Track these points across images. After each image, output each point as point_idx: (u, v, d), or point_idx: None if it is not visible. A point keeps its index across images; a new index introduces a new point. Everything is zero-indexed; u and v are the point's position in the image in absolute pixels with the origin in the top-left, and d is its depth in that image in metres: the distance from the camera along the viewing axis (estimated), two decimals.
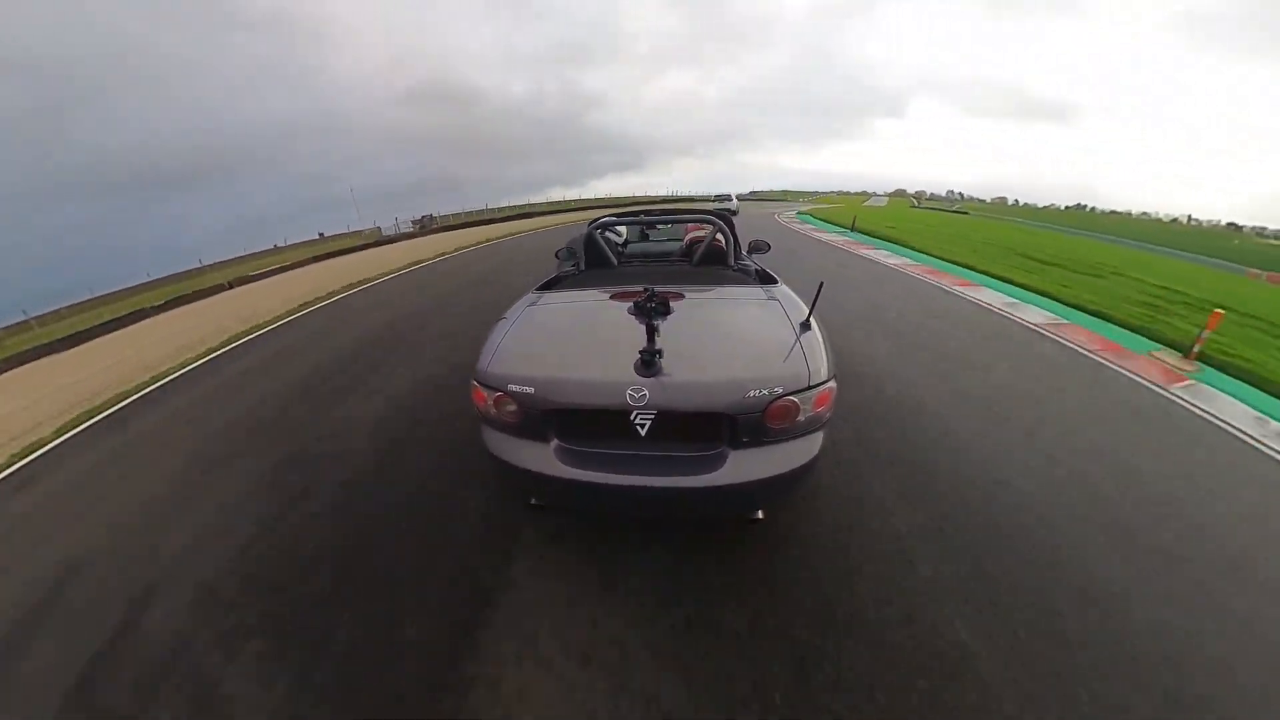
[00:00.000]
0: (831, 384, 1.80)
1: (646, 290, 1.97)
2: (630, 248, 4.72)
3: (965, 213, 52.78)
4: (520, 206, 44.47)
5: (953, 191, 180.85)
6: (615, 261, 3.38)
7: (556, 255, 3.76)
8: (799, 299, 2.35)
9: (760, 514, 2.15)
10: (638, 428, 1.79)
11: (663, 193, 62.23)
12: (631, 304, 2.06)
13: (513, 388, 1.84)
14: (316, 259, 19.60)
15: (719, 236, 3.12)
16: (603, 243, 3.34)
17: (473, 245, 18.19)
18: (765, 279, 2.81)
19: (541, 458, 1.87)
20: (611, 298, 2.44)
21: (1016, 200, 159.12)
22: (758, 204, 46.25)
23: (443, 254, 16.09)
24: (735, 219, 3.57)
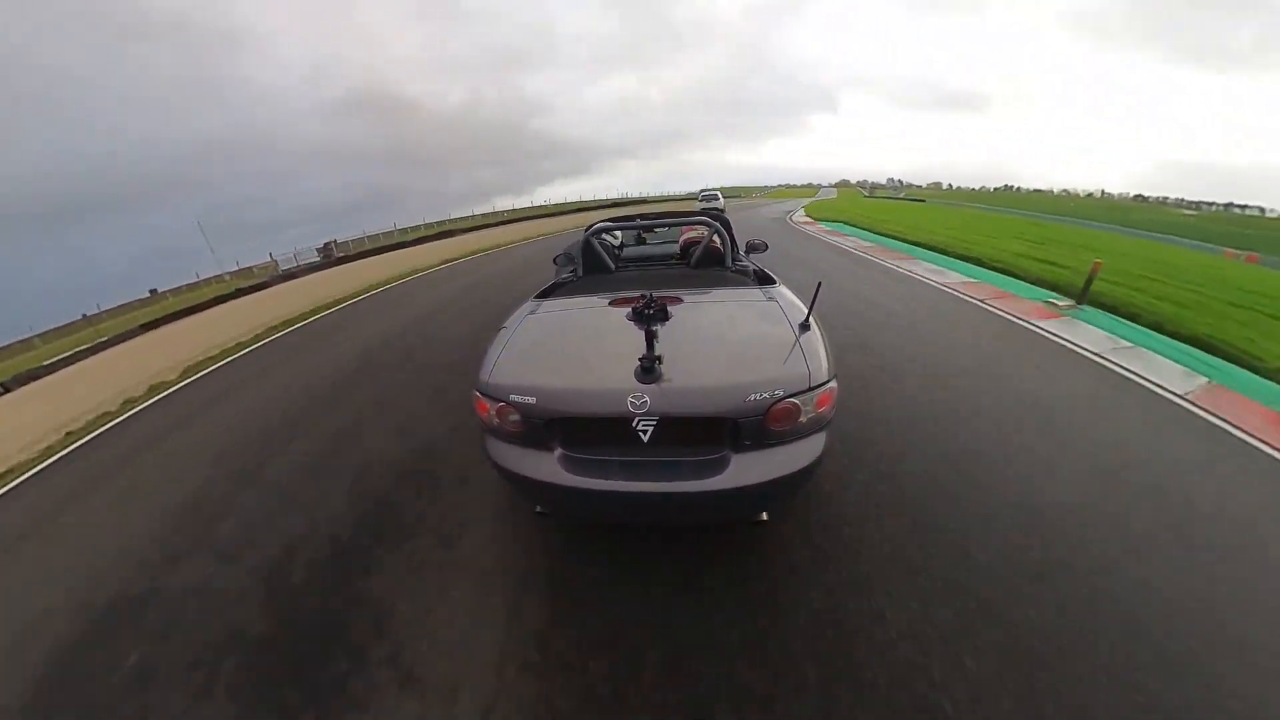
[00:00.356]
0: (832, 384, 1.81)
1: (644, 296, 1.99)
2: (627, 251, 4.79)
3: (921, 200, 54.03)
4: (446, 224, 40.22)
5: (892, 179, 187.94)
6: (613, 266, 3.38)
7: (555, 261, 4.11)
8: (797, 299, 2.37)
9: (764, 516, 2.11)
10: (640, 434, 1.79)
11: (614, 195, 61.95)
12: (630, 310, 2.09)
13: (515, 398, 1.85)
14: (147, 327, 14.18)
15: (716, 238, 3.16)
16: (600, 248, 3.35)
17: (372, 291, 12.29)
18: (763, 279, 2.82)
19: (545, 466, 1.87)
20: (610, 304, 2.49)
21: (950, 184, 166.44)
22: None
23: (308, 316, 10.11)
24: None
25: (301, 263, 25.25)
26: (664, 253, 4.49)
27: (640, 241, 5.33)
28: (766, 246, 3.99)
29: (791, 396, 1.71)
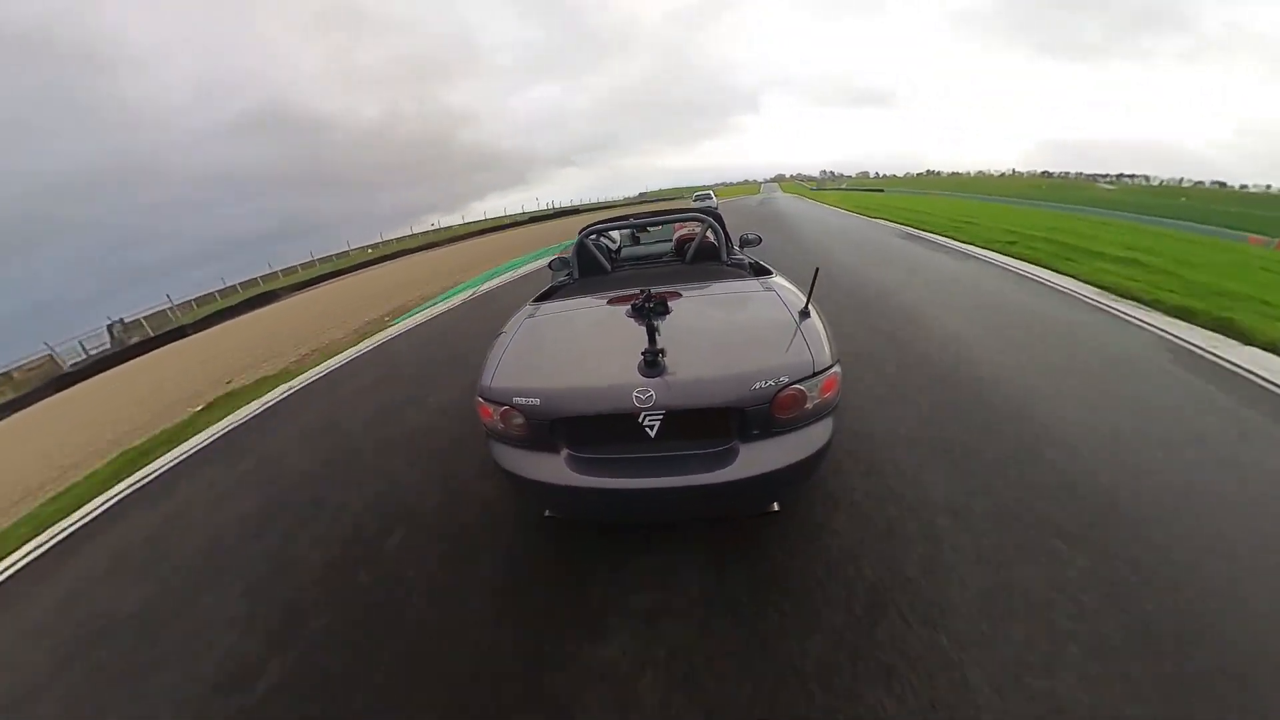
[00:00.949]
0: (836, 369, 1.79)
1: (643, 292, 1.96)
2: (623, 252, 4.70)
3: (880, 189, 55.16)
4: (351, 254, 34.81)
5: (824, 171, 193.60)
6: (608, 267, 3.34)
7: (550, 266, 3.93)
8: (795, 288, 2.35)
9: (776, 506, 2.02)
10: (646, 429, 1.76)
11: (557, 203, 62.55)
12: (629, 306, 2.07)
13: (518, 401, 1.81)
14: None
15: (709, 233, 3.15)
16: (595, 249, 3.31)
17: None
18: (760, 271, 2.82)
19: (553, 468, 1.83)
20: (609, 302, 2.44)
21: (877, 173, 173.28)
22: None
23: None
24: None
25: (92, 352, 18.19)
26: (659, 251, 4.46)
27: (634, 241, 5.28)
28: (760, 240, 4.02)
29: (796, 383, 1.68)
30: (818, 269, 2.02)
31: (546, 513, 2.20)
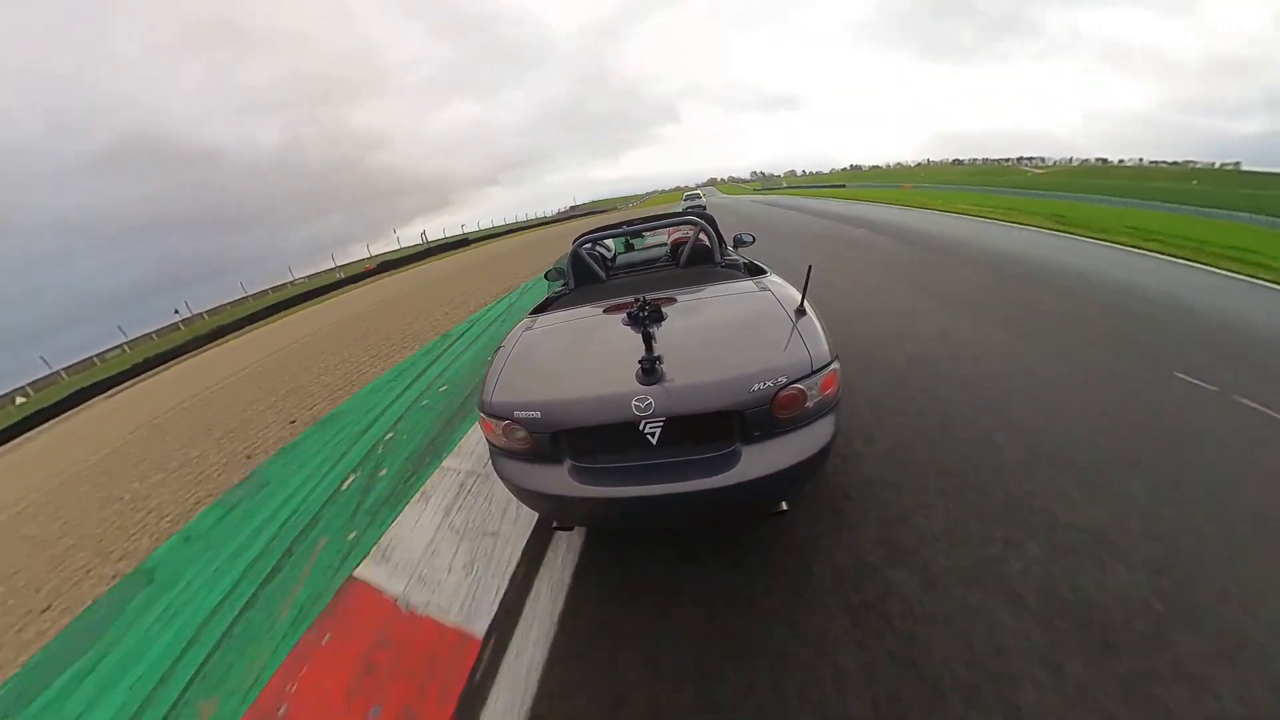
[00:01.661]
0: (835, 366, 1.81)
1: (638, 300, 2.05)
2: (618, 259, 4.75)
3: (842, 185, 55.97)
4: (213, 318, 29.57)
5: (755, 172, 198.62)
6: (603, 276, 3.41)
7: (546, 277, 4.15)
8: (790, 286, 2.38)
9: (784, 506, 1.93)
10: (648, 437, 1.76)
11: (485, 225, 62.61)
12: (625, 315, 2.16)
13: (519, 414, 1.83)
14: None
15: (702, 236, 3.20)
16: (589, 259, 3.37)
17: None
18: (754, 271, 2.86)
19: (557, 480, 1.83)
20: (605, 312, 2.49)
21: (805, 170, 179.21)
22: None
23: None
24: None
25: None
26: (653, 256, 4.53)
27: (629, 248, 5.40)
28: (754, 239, 4.07)
29: (795, 382, 1.69)
30: (810, 266, 2.07)
31: (554, 525, 2.22)
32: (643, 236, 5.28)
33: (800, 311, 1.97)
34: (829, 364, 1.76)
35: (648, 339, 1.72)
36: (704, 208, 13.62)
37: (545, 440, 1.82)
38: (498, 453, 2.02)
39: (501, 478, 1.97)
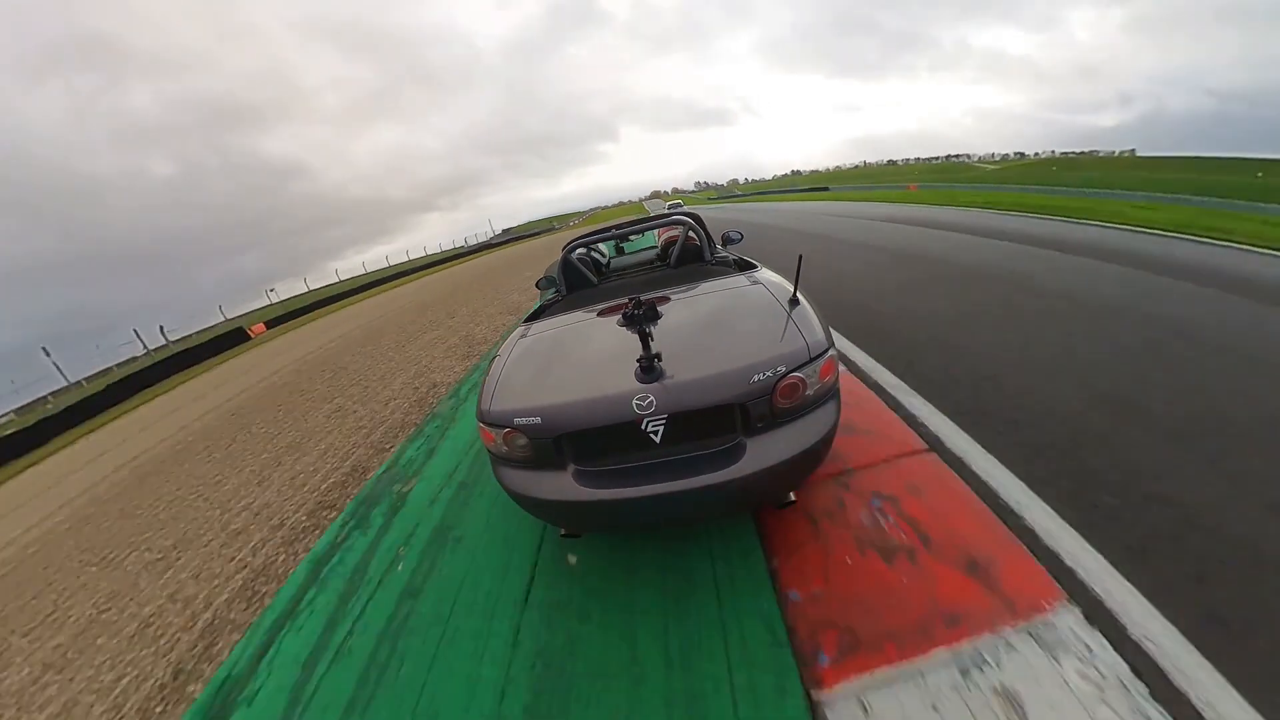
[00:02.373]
0: (832, 352, 1.83)
1: (632, 299, 2.04)
2: (610, 263, 4.74)
3: (825, 187, 58.34)
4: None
5: (700, 182, 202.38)
6: (595, 280, 3.38)
7: (538, 285, 3.88)
8: (781, 278, 2.40)
9: (793, 496, 2.02)
10: (651, 435, 1.76)
11: (426, 252, 61.17)
12: (620, 316, 2.16)
13: (519, 421, 1.83)
14: None
15: (692, 234, 3.21)
16: (580, 264, 3.35)
17: None
18: (744, 266, 2.84)
19: (561, 486, 1.82)
20: (599, 314, 2.49)
21: (747, 179, 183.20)
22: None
23: None
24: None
25: None
26: (645, 258, 4.56)
27: (619, 252, 5.45)
28: (742, 237, 3.97)
29: (794, 371, 1.71)
30: (801, 255, 2.10)
31: (562, 532, 2.17)
32: (631, 240, 5.10)
33: (794, 301, 1.99)
34: (825, 351, 1.77)
35: (644, 337, 1.72)
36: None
37: (547, 446, 1.80)
38: (499, 462, 1.99)
39: (505, 488, 1.95)
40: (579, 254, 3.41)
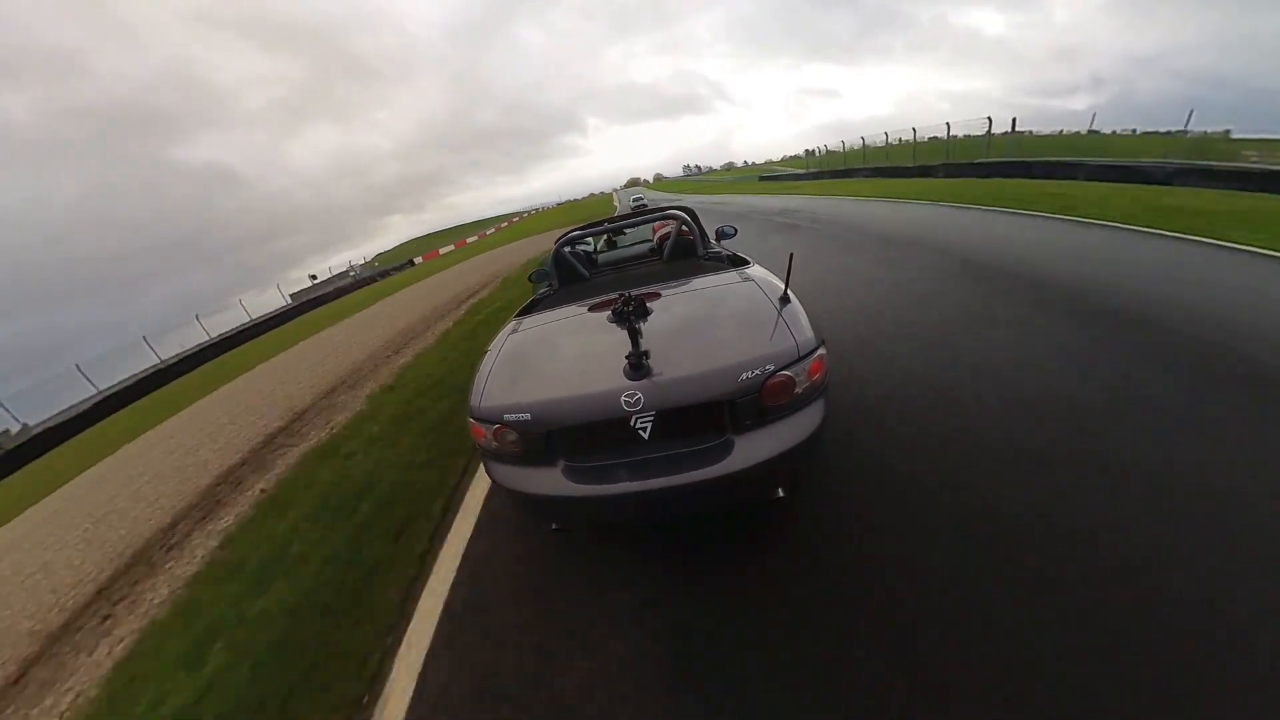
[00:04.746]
0: (821, 351, 1.85)
1: (621, 295, 2.00)
2: (602, 256, 4.85)
3: (812, 175, 60.38)
4: None
5: (687, 167, 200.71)
6: (587, 274, 3.46)
7: (530, 279, 4.20)
8: (773, 275, 2.43)
9: (781, 493, 2.05)
10: (639, 432, 1.80)
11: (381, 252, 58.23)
12: (610, 313, 2.14)
13: (508, 417, 1.86)
14: None
15: (685, 228, 3.24)
16: (572, 258, 3.41)
17: None
18: (737, 262, 2.86)
19: (551, 481, 1.87)
20: (590, 310, 2.50)
21: (731, 164, 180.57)
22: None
23: None
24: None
25: None
26: (638, 252, 4.61)
27: (612, 246, 5.47)
28: (736, 232, 4.19)
29: (783, 369, 1.73)
30: (792, 254, 2.16)
31: (554, 526, 2.25)
32: (625, 233, 5.22)
33: (785, 299, 2.01)
34: (815, 349, 1.79)
35: (634, 334, 1.74)
36: (645, 205, 15.34)
37: (537, 442, 1.83)
38: (490, 457, 2.01)
39: (495, 482, 2.00)
40: (571, 248, 3.45)
